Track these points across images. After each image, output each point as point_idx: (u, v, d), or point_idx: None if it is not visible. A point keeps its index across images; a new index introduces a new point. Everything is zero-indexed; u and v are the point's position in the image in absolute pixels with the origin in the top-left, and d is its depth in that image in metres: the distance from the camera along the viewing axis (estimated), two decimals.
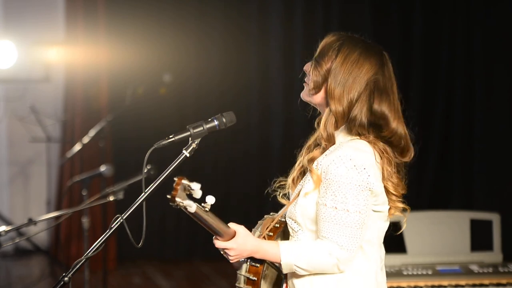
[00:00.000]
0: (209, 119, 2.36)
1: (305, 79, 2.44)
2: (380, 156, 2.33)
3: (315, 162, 2.35)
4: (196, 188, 2.15)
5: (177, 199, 2.14)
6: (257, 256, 2.32)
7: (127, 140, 6.93)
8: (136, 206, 2.31)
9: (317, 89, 2.38)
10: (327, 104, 2.37)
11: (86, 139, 5.64)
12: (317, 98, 2.40)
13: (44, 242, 7.21)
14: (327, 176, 2.28)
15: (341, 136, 2.37)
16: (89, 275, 4.76)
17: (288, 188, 2.51)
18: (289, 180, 2.50)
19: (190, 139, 2.33)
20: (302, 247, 2.30)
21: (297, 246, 2.31)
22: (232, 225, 2.33)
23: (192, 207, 2.17)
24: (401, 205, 2.39)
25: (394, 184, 2.35)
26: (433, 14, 6.71)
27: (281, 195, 2.53)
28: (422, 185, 6.73)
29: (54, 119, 6.88)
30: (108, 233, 2.28)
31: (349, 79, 2.34)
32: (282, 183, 2.55)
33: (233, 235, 2.31)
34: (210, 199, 2.19)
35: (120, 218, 2.29)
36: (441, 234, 3.85)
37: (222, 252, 2.36)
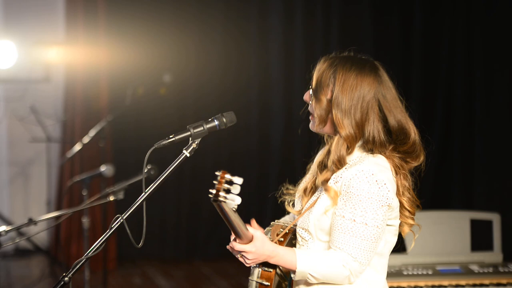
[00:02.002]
0: (210, 119, 2.36)
1: (309, 110, 2.45)
2: (396, 172, 2.37)
3: (332, 179, 2.36)
4: (239, 183, 2.12)
5: (221, 194, 2.10)
6: (272, 261, 2.31)
7: (127, 140, 6.93)
8: (136, 206, 2.31)
9: (324, 122, 2.39)
10: (336, 131, 2.38)
11: (86, 139, 5.64)
12: (326, 129, 2.41)
13: (44, 242, 7.21)
14: (349, 190, 2.30)
15: (356, 152, 2.39)
16: (89, 275, 4.76)
17: (298, 197, 2.53)
18: (301, 189, 2.51)
19: (190, 139, 2.33)
20: (318, 256, 2.31)
21: (313, 255, 2.32)
22: (250, 229, 2.32)
23: (235, 200, 2.14)
24: (412, 222, 2.44)
25: (409, 200, 2.41)
26: (433, 14, 6.71)
27: (287, 202, 2.55)
28: (422, 185, 6.71)
29: (54, 119, 6.88)
30: (108, 233, 2.28)
31: (352, 103, 2.34)
32: (290, 191, 2.58)
33: (250, 239, 2.29)
34: (237, 199, 2.17)
35: (120, 218, 2.29)
36: (441, 234, 3.85)
37: (238, 256, 2.34)
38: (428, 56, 6.74)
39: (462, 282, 3.65)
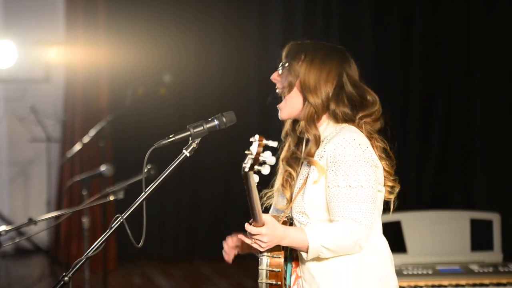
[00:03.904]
0: (209, 119, 2.37)
1: (278, 91, 2.52)
2: (369, 138, 2.43)
3: (316, 154, 2.40)
4: (275, 146, 2.14)
5: (261, 156, 2.09)
6: (285, 242, 2.31)
7: (127, 140, 6.93)
8: (136, 206, 2.31)
9: (291, 87, 2.44)
10: (305, 100, 2.42)
11: (86, 139, 5.65)
12: (294, 100, 2.45)
13: (44, 242, 7.21)
14: (336, 159, 2.34)
15: (330, 128, 2.44)
16: (89, 275, 4.76)
17: (277, 195, 2.55)
18: (277, 185, 2.54)
19: (190, 138, 2.33)
20: (325, 228, 2.32)
21: (320, 228, 2.33)
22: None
23: (272, 161, 2.12)
24: (391, 183, 2.46)
25: (387, 162, 2.45)
26: (433, 14, 6.71)
27: (275, 203, 2.57)
28: (422, 185, 6.73)
29: (54, 119, 6.88)
30: (108, 233, 2.28)
31: (322, 72, 2.42)
32: (269, 193, 2.60)
33: (263, 224, 2.28)
34: (256, 177, 2.17)
35: (120, 218, 2.29)
36: (441, 234, 3.85)
37: (251, 242, 2.31)
38: (428, 56, 6.73)
39: (462, 282, 3.65)
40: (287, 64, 2.47)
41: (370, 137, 2.43)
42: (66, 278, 2.24)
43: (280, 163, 2.55)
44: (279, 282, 2.32)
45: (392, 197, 2.48)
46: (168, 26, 6.99)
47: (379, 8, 6.83)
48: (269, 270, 2.33)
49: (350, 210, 2.31)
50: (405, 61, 6.72)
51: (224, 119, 2.38)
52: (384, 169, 2.44)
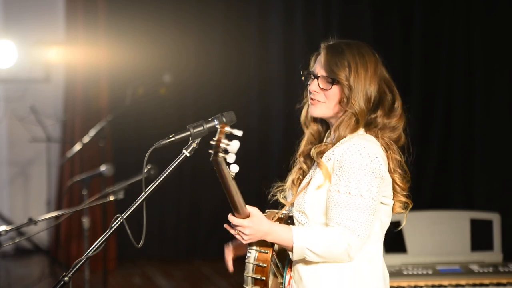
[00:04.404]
0: (209, 119, 2.36)
1: (314, 98, 2.47)
2: (386, 149, 2.39)
3: (324, 156, 2.39)
4: (239, 135, 2.15)
5: (222, 143, 2.11)
6: (269, 238, 2.31)
7: (127, 140, 6.93)
8: (136, 206, 2.31)
9: (334, 101, 2.43)
10: (345, 106, 2.41)
11: (86, 139, 5.65)
12: (335, 110, 2.44)
13: (44, 242, 7.21)
14: (341, 164, 2.33)
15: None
16: (89, 275, 4.76)
17: (288, 190, 2.55)
18: (289, 181, 2.54)
19: (190, 138, 2.33)
20: (314, 231, 2.31)
21: (309, 230, 2.32)
22: (248, 207, 2.32)
23: (234, 149, 2.14)
24: (404, 199, 2.43)
25: (401, 176, 2.42)
26: (433, 14, 6.71)
27: (282, 196, 2.57)
28: (422, 185, 6.73)
29: (54, 119, 6.88)
30: (108, 232, 2.28)
31: (366, 80, 2.41)
32: (280, 188, 2.59)
33: (247, 216, 2.30)
34: (234, 168, 2.18)
35: (120, 218, 2.29)
36: (441, 234, 3.85)
37: (235, 233, 2.33)
38: (428, 56, 6.73)
39: (462, 282, 3.65)
40: (329, 76, 2.43)
41: (387, 148, 2.40)
42: (66, 278, 2.24)
43: (297, 158, 2.55)
44: (264, 278, 2.32)
45: (404, 211, 2.46)
46: (168, 26, 6.99)
47: (379, 8, 6.82)
48: (256, 265, 2.34)
49: (345, 218, 2.29)
50: (405, 61, 6.72)
51: (224, 119, 2.37)
52: (396, 182, 2.41)
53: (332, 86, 2.42)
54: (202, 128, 2.34)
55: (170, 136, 2.32)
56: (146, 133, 6.53)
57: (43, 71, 7.19)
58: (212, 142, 2.11)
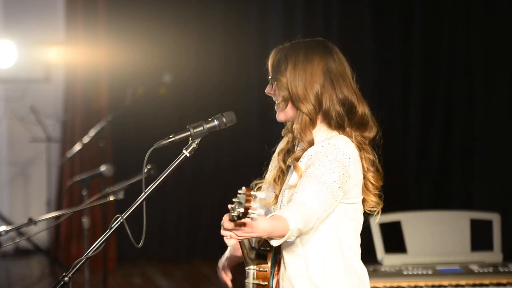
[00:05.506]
0: (209, 119, 2.37)
1: (275, 100, 2.48)
2: (359, 149, 2.38)
3: (300, 160, 2.37)
4: (263, 196, 2.07)
5: (251, 212, 2.04)
6: (255, 235, 2.22)
7: (127, 140, 6.93)
8: (136, 206, 2.31)
9: (286, 102, 2.42)
10: (297, 109, 2.40)
11: (86, 139, 5.64)
12: (290, 112, 2.43)
13: (44, 242, 7.20)
14: (312, 158, 2.32)
15: (322, 133, 2.40)
16: (89, 275, 4.76)
17: (267, 188, 2.53)
18: (269, 179, 2.52)
19: (190, 139, 2.33)
20: (293, 210, 2.23)
21: (290, 212, 2.23)
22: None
23: (261, 213, 2.09)
24: (375, 199, 2.42)
25: (375, 175, 2.40)
26: (433, 14, 6.71)
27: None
28: (422, 185, 6.73)
29: (54, 119, 6.87)
30: (108, 233, 2.28)
31: (306, 76, 2.39)
32: (259, 184, 2.58)
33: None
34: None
35: (120, 218, 2.29)
36: (441, 234, 3.85)
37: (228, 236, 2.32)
38: (428, 56, 6.74)
39: (462, 282, 3.64)
40: (273, 80, 2.44)
41: (360, 147, 2.39)
42: (66, 278, 2.24)
43: (276, 157, 2.55)
44: None
45: (373, 209, 2.44)
46: (168, 26, 6.99)
47: (379, 8, 6.83)
48: (256, 284, 2.35)
49: (304, 193, 2.25)
50: (405, 61, 6.73)
51: (224, 119, 2.38)
52: (369, 180, 2.39)
53: (274, 86, 2.44)
54: (202, 128, 2.34)
55: (170, 136, 2.32)
56: (146, 133, 6.53)
57: (43, 71, 7.19)
58: (235, 205, 2.05)
